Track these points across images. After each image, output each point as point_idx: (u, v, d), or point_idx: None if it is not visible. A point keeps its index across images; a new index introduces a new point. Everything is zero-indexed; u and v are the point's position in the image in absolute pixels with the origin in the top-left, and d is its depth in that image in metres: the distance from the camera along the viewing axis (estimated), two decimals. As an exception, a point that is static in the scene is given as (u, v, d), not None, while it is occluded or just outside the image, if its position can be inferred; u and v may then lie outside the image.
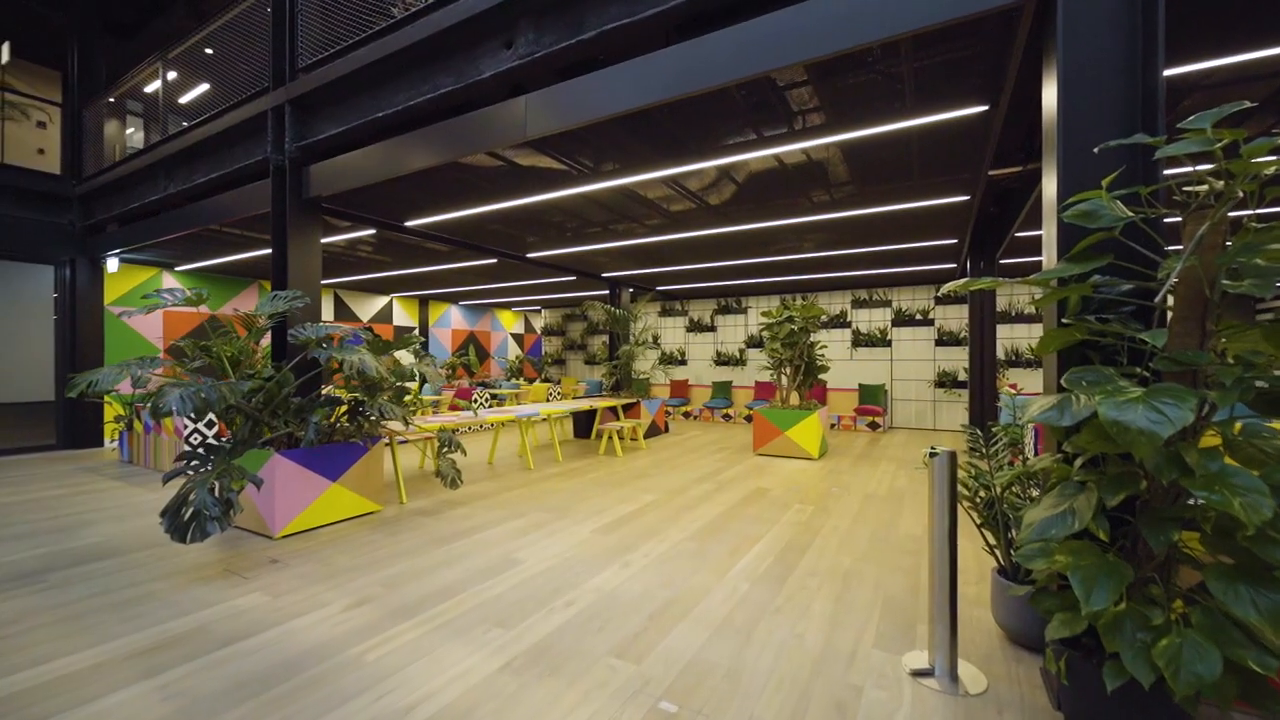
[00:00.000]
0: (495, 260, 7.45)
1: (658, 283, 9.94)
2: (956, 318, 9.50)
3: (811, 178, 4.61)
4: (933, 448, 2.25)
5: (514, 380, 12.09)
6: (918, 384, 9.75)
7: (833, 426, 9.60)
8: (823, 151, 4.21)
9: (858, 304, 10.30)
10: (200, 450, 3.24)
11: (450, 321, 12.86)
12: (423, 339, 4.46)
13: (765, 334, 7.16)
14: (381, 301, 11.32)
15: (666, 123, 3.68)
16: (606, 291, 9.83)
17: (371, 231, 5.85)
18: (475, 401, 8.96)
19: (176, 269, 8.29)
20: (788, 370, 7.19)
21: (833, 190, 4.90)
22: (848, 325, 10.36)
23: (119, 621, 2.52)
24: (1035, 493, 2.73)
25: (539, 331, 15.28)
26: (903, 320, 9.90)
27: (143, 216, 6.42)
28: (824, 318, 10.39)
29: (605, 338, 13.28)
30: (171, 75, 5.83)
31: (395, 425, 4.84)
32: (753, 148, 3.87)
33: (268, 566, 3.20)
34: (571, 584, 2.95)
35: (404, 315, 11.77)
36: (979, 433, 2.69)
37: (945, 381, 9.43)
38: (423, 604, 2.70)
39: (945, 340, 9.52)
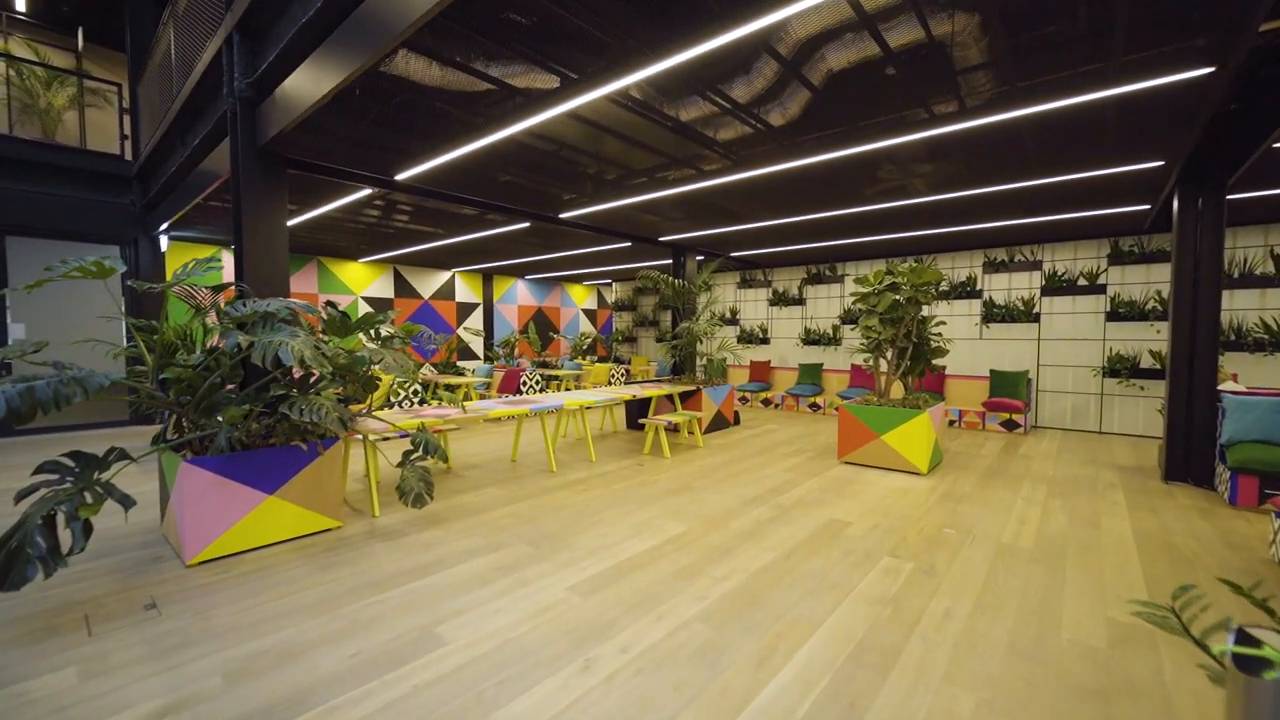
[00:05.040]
0: (528, 224, 6.46)
1: (730, 247, 8.43)
2: (1141, 281, 6.99)
3: (927, 69, 2.97)
4: (1238, 629, 0.80)
5: (576, 360, 11.26)
6: (1077, 371, 7.41)
7: (952, 424, 7.62)
8: (945, 23, 2.61)
9: (992, 267, 8.04)
10: (65, 459, 2.56)
11: (516, 297, 12.28)
12: (391, 314, 3.51)
13: (859, 306, 5.50)
14: (443, 277, 10.93)
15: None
16: (670, 261, 8.53)
17: (367, 193, 5.08)
18: (523, 385, 8.19)
19: (233, 246, 8.29)
20: (889, 354, 5.49)
21: (963, 86, 3.20)
22: (977, 294, 8.15)
23: None
24: None
25: (611, 306, 14.33)
26: (1058, 287, 7.53)
27: (173, 189, 6.22)
28: (942, 285, 8.27)
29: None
30: (181, 34, 5.40)
31: (373, 424, 4.03)
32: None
33: (136, 616, 2.46)
34: (481, 708, 1.85)
35: (467, 291, 11.34)
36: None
37: (1120, 369, 7.02)
38: (241, 729, 1.75)
39: (1122, 313, 7.07)
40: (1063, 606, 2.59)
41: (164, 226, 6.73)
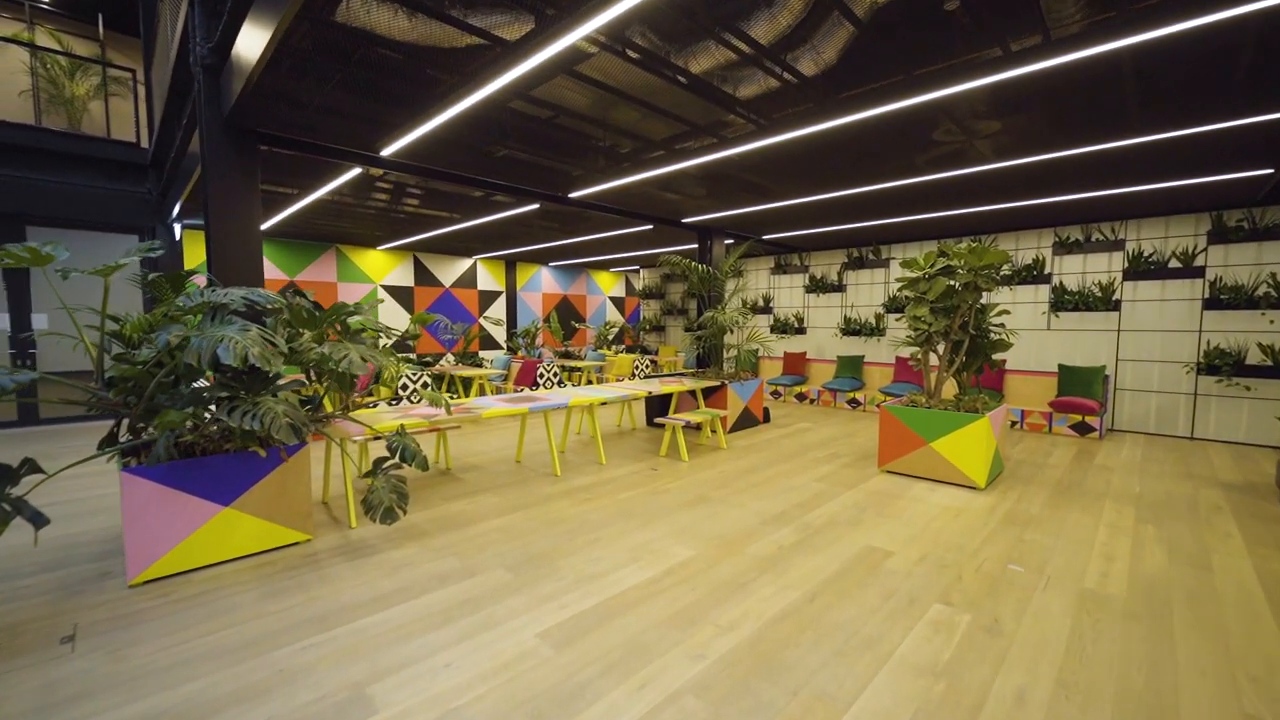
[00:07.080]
0: (537, 205, 6.00)
1: (761, 228, 7.75)
2: (1249, 263, 5.95)
3: (1000, -22, 2.30)
4: None
5: (600, 350, 10.82)
6: (1164, 367, 6.44)
7: (1013, 425, 6.78)
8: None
9: (1064, 247, 7.08)
10: (-24, 472, 2.27)
11: (540, 285, 11.91)
12: (366, 303, 3.11)
13: (906, 294, 4.81)
14: (465, 264, 10.65)
15: None
16: (695, 246, 7.92)
17: (359, 171, 4.71)
18: (540, 377, 7.80)
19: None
20: (941, 348, 4.78)
21: (1049, 14, 2.50)
22: (1045, 279, 7.21)
23: None
24: None
25: (639, 294, 13.80)
26: (1144, 270, 6.54)
27: (176, 175, 6.05)
28: (1005, 268, 7.36)
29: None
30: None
31: (349, 425, 3.68)
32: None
33: (47, 652, 2.15)
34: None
35: (489, 278, 11.03)
36: None
37: (1220, 365, 6.03)
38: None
39: (1224, 300, 6.05)
40: (1179, 690, 1.96)
41: (174, 214, 6.61)
